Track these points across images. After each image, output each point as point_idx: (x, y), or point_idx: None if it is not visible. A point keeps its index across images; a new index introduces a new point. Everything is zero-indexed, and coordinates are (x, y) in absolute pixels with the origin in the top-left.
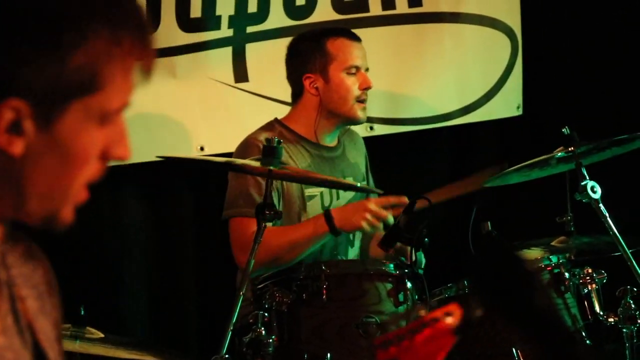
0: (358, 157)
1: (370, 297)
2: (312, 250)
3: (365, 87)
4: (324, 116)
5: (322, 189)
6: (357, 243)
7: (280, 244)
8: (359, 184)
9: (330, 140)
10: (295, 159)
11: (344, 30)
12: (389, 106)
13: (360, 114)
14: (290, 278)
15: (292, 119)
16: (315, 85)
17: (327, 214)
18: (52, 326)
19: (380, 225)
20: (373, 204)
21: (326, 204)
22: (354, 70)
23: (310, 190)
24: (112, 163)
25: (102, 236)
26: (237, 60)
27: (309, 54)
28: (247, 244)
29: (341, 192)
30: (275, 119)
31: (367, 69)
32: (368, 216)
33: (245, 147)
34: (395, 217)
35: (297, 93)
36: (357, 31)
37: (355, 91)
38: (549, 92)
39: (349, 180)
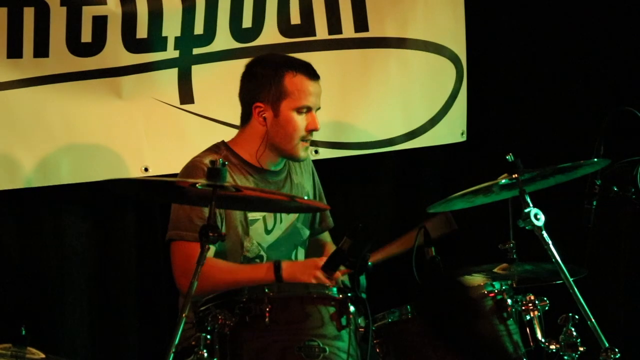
0: (304, 179)
1: (313, 320)
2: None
3: (312, 129)
4: (268, 146)
5: (265, 213)
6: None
7: (225, 280)
8: (305, 197)
9: (275, 166)
10: (240, 183)
11: (304, 67)
12: (334, 130)
13: (302, 154)
14: (233, 300)
15: (237, 143)
16: (263, 115)
17: (276, 265)
18: None
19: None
20: (320, 267)
21: (269, 227)
22: (304, 110)
23: (253, 215)
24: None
25: (44, 256)
26: (182, 81)
27: (264, 83)
28: (189, 269)
29: (284, 215)
30: (222, 142)
31: (318, 108)
32: (318, 275)
33: (191, 169)
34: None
35: (246, 117)
36: (302, 55)
37: (302, 131)
38: (493, 118)
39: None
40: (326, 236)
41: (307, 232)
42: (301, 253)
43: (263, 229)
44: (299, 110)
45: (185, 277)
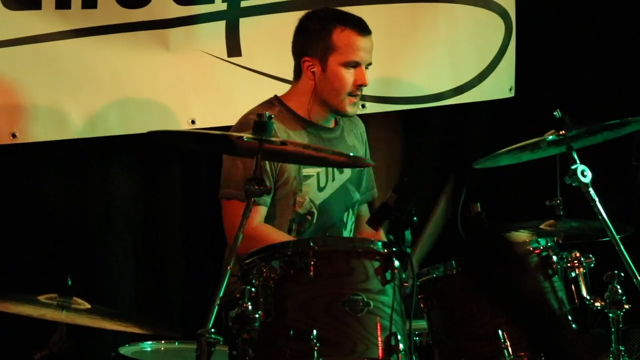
0: (356, 141)
1: (358, 274)
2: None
3: (360, 84)
4: (317, 101)
5: (319, 169)
6: (349, 226)
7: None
8: (351, 154)
9: (326, 122)
10: (294, 137)
11: (354, 21)
12: (381, 85)
13: (349, 109)
14: (278, 253)
15: (290, 98)
16: (312, 70)
17: None
18: None
19: None
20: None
21: (322, 184)
22: (353, 65)
23: (307, 170)
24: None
25: (90, 208)
26: (230, 34)
27: (313, 37)
28: (246, 235)
29: (337, 173)
30: (275, 96)
31: (369, 64)
32: None
33: (243, 125)
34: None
35: (297, 71)
36: (351, 8)
37: (349, 86)
38: (541, 74)
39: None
40: (364, 211)
41: (357, 195)
42: (351, 218)
43: (316, 186)
44: (346, 65)
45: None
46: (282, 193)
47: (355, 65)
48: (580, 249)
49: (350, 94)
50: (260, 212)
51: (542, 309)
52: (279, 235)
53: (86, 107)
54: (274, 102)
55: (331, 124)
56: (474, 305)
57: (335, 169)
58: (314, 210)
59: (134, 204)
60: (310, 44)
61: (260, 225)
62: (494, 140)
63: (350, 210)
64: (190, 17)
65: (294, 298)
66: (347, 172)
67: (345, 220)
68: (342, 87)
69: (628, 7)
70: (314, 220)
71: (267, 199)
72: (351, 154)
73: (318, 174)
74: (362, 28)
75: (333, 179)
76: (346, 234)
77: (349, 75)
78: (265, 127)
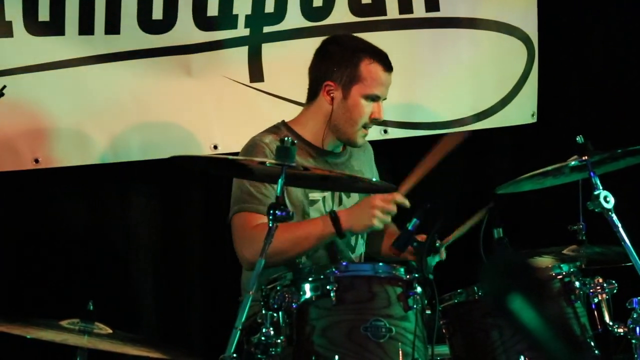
0: (364, 165)
1: (380, 300)
2: (314, 249)
3: (376, 118)
4: (330, 127)
5: (325, 193)
6: (358, 249)
7: (284, 238)
8: (374, 179)
9: (334, 147)
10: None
11: (382, 56)
12: (403, 110)
13: (359, 140)
14: (300, 279)
15: (299, 123)
16: (332, 95)
17: (332, 215)
18: None
19: (389, 219)
20: (378, 199)
21: (328, 209)
22: (373, 98)
23: (313, 195)
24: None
25: (112, 233)
26: (253, 59)
27: (340, 63)
28: (249, 237)
29: (344, 198)
30: (282, 122)
31: (384, 99)
32: (378, 213)
33: (251, 149)
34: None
35: (312, 94)
36: (373, 34)
37: (366, 118)
38: (563, 100)
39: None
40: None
41: None
42: (360, 241)
43: (323, 210)
44: (367, 97)
45: (246, 247)
46: None
47: (375, 98)
48: (603, 274)
49: (365, 126)
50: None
51: (564, 335)
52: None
53: (109, 133)
54: (281, 127)
55: (339, 149)
56: (496, 331)
57: (343, 194)
58: None
59: (154, 230)
60: (336, 69)
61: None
62: (516, 166)
63: (359, 235)
64: (213, 42)
65: (316, 323)
66: (354, 196)
67: (353, 244)
68: (359, 117)
69: None
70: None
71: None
72: (374, 179)
73: (324, 198)
74: (387, 63)
75: (340, 203)
76: (355, 257)
77: (368, 108)
78: (288, 152)
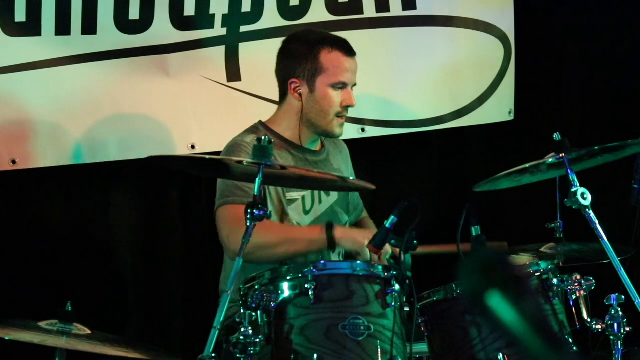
0: (342, 164)
1: (358, 298)
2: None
3: (347, 105)
4: (304, 123)
5: (304, 192)
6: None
7: (276, 234)
8: (351, 177)
9: (313, 145)
10: (281, 160)
11: (340, 43)
12: (381, 108)
13: (337, 130)
14: (278, 277)
15: (276, 122)
16: (299, 91)
17: (328, 225)
18: None
19: (376, 257)
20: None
21: (307, 207)
22: (340, 86)
23: (291, 194)
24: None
25: (90, 233)
26: (230, 59)
27: (300, 59)
28: (235, 227)
29: (323, 196)
30: (260, 122)
31: (354, 85)
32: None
33: (232, 150)
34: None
35: (283, 94)
36: (350, 33)
37: (337, 107)
38: (541, 97)
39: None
40: (366, 220)
41: (345, 218)
42: None
43: (301, 209)
44: (334, 86)
45: (231, 237)
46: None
47: (342, 86)
48: (580, 271)
49: (338, 115)
50: None
51: (543, 332)
52: (276, 224)
53: (86, 133)
54: (259, 127)
55: (317, 147)
56: (475, 328)
57: (322, 192)
58: None
59: (133, 229)
60: (297, 65)
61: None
62: (494, 164)
63: None
64: (190, 42)
65: (295, 322)
66: (334, 194)
67: None
68: (330, 108)
69: (625, 31)
70: None
71: None
72: (351, 178)
73: (303, 197)
74: (348, 49)
75: (320, 202)
76: (334, 257)
77: (336, 96)
78: (265, 151)
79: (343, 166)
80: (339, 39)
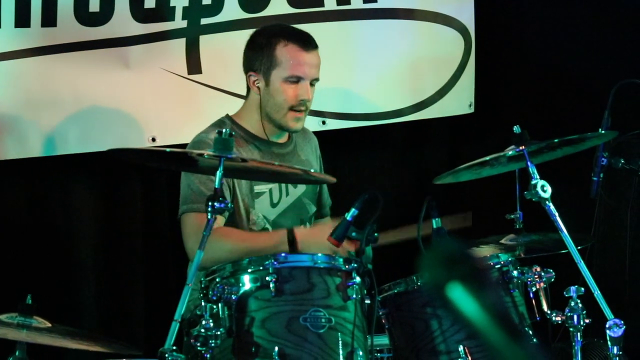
0: (310, 155)
1: (319, 290)
2: None
3: (302, 99)
4: (264, 117)
5: (271, 185)
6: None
7: (237, 246)
8: (312, 170)
9: (279, 137)
10: (245, 154)
11: (298, 36)
12: (341, 101)
13: (291, 124)
14: (239, 270)
15: (241, 115)
16: (258, 85)
17: (289, 233)
18: None
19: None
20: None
21: (275, 200)
22: (294, 80)
23: (259, 187)
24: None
25: (51, 226)
26: (190, 51)
27: (258, 52)
28: (199, 239)
29: (291, 188)
30: (226, 115)
31: (315, 80)
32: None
33: (197, 145)
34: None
35: (247, 86)
36: (311, 26)
37: (290, 101)
38: (500, 90)
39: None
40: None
41: (313, 208)
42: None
43: (269, 202)
44: (288, 80)
45: (196, 248)
46: (237, 210)
47: (297, 80)
48: (540, 263)
49: (293, 109)
50: (219, 221)
51: (503, 324)
52: (237, 232)
53: (47, 126)
54: (225, 120)
55: (283, 139)
56: (436, 320)
57: (289, 185)
58: (268, 226)
59: (94, 222)
60: (256, 58)
61: (221, 228)
62: (454, 156)
63: (308, 224)
64: (150, 34)
65: (255, 315)
66: (301, 187)
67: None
68: (283, 101)
69: (585, 24)
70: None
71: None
72: (312, 170)
73: (271, 190)
74: (306, 43)
75: (287, 194)
76: None
77: (290, 90)
78: (226, 144)
79: (312, 157)
80: (299, 32)
